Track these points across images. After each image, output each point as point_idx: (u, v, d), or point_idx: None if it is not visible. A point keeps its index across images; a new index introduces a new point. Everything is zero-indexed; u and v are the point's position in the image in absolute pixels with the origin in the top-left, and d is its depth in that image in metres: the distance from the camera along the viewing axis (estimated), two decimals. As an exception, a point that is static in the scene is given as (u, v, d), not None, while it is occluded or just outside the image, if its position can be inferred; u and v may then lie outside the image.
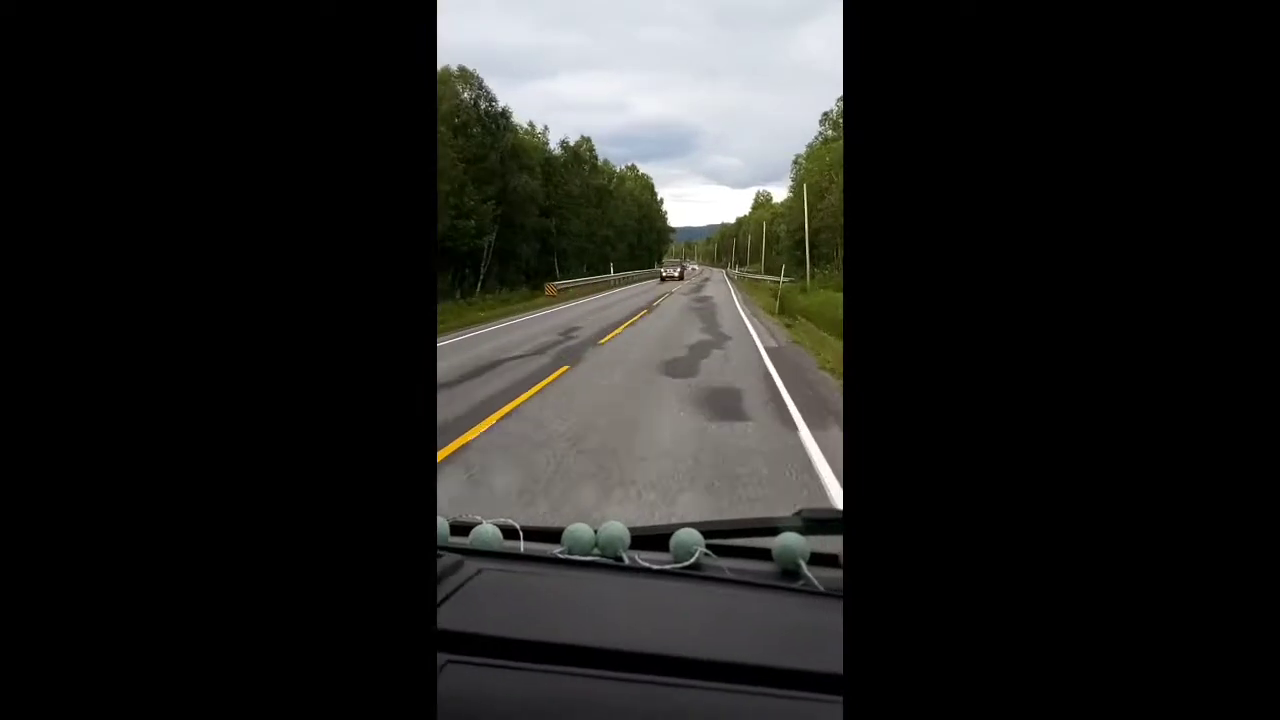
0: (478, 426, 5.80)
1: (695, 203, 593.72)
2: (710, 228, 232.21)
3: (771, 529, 1.01)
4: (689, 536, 0.99)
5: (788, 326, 15.27)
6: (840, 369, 7.64)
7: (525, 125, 38.70)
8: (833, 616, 0.69)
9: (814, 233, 35.61)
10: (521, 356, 10.06)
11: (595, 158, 49.06)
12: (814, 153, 44.96)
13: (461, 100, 30.07)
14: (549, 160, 39.27)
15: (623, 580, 0.88)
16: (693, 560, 0.97)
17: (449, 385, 7.61)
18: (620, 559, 0.99)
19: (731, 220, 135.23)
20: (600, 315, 17.81)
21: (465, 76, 30.91)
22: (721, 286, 38.87)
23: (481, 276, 28.72)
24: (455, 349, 10.99)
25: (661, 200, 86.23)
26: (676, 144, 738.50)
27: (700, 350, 10.76)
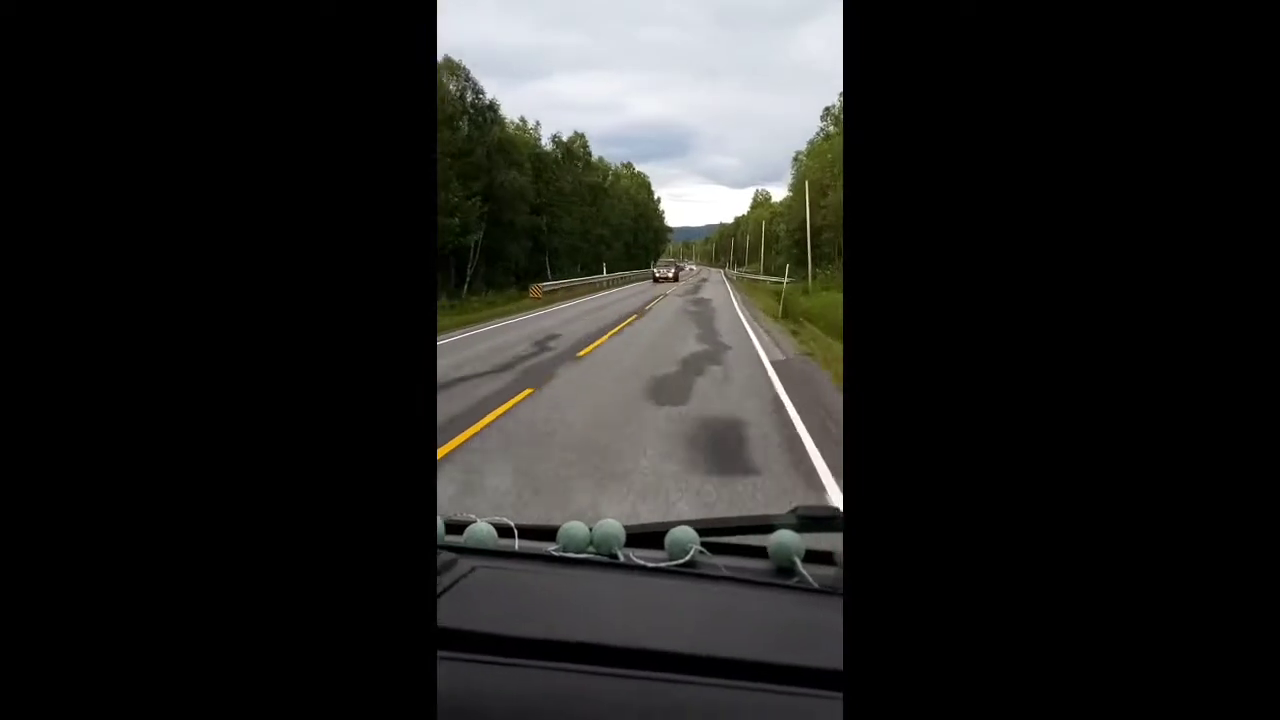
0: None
1: (693, 202, 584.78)
2: (708, 227, 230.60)
3: (767, 526, 1.01)
4: (684, 534, 0.98)
5: (793, 333, 13.66)
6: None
7: (517, 120, 37.39)
8: (828, 613, 0.76)
9: (815, 231, 34.38)
10: (479, 376, 8.35)
11: (589, 154, 47.49)
12: (815, 149, 43.85)
13: (447, 92, 28.53)
14: (540, 156, 37.75)
15: (618, 578, 0.89)
16: (688, 558, 0.95)
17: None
18: (615, 557, 0.98)
19: (730, 220, 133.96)
20: (585, 320, 16.06)
21: (451, 68, 29.44)
22: (720, 287, 37.11)
23: (468, 277, 27.22)
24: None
25: (659, 199, 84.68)
26: (674, 144, 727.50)
27: (695, 365, 9.15)
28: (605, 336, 12.55)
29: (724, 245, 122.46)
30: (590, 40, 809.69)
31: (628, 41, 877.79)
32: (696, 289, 34.46)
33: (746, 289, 35.36)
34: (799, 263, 32.55)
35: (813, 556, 0.97)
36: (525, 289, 28.19)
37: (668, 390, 7.36)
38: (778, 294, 26.48)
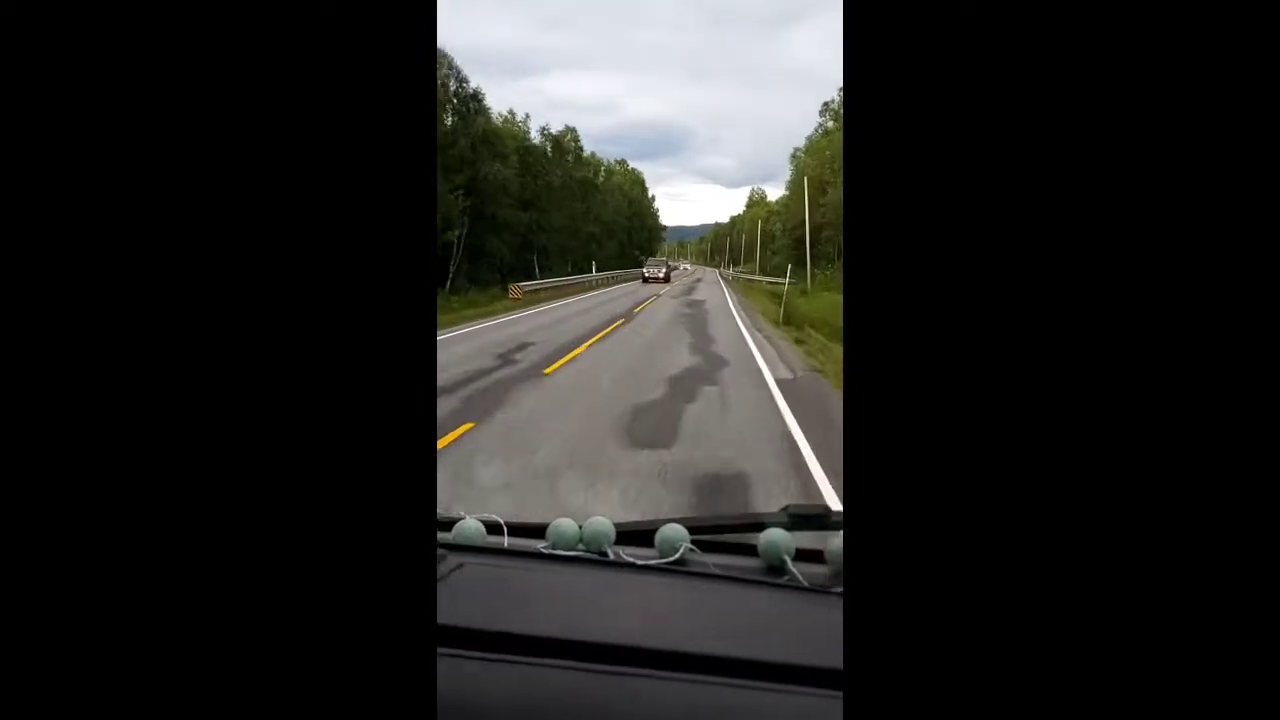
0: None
1: (688, 202, 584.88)
2: (703, 227, 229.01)
3: (757, 524, 1.00)
4: (674, 532, 0.97)
5: (796, 342, 12.06)
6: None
7: (505, 113, 35.81)
8: (818, 611, 0.78)
9: (815, 230, 32.98)
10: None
11: (580, 148, 45.85)
12: (814, 145, 42.49)
13: (427, 79, 26.85)
14: (527, 149, 36.11)
15: (607, 575, 0.89)
16: (678, 556, 0.94)
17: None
18: (605, 554, 0.97)
19: (725, 220, 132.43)
20: (565, 326, 14.26)
21: (432, 54, 27.74)
22: (715, 288, 35.45)
23: (450, 276, 25.57)
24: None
25: (654, 198, 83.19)
26: (670, 144, 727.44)
27: (686, 386, 7.54)
28: (583, 346, 10.81)
29: (719, 245, 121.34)
30: (585, 40, 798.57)
31: (622, 42, 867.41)
32: (690, 290, 32.73)
33: (743, 290, 33.73)
34: (798, 262, 31.01)
35: (803, 555, 0.96)
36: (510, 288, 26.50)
37: (649, 425, 5.76)
38: (775, 295, 25.14)
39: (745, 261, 69.46)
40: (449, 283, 25.14)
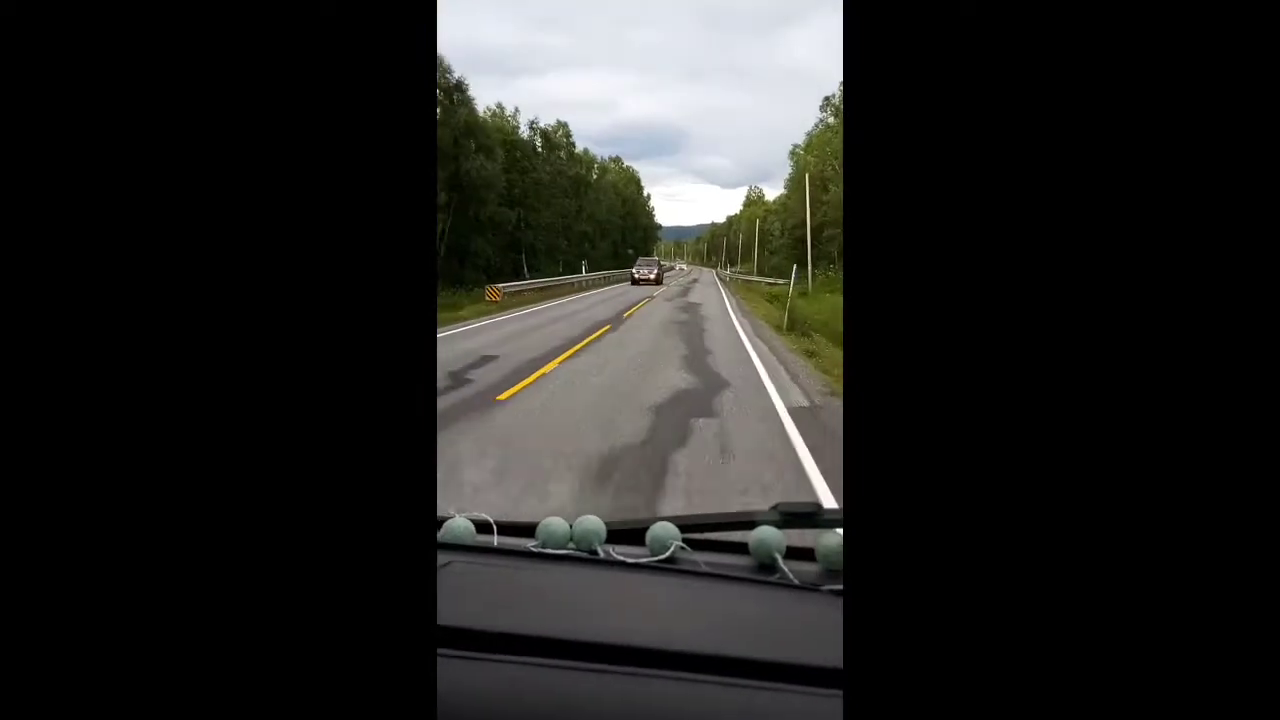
0: None
1: (685, 202, 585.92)
2: (700, 227, 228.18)
3: (748, 523, 1.00)
4: (665, 531, 0.97)
5: (807, 355, 10.38)
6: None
7: (493, 107, 34.21)
8: (809, 609, 0.78)
9: (816, 229, 31.46)
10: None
11: (572, 144, 44.20)
12: (814, 140, 40.95)
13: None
14: (515, 143, 34.43)
15: (597, 574, 0.89)
16: (669, 554, 0.94)
17: None
18: (596, 553, 0.96)
19: (722, 220, 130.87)
20: (541, 334, 12.46)
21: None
22: (712, 289, 33.65)
23: (430, 276, 23.84)
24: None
25: (649, 197, 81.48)
26: (666, 143, 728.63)
27: (675, 420, 5.84)
28: (555, 362, 9.02)
29: (715, 245, 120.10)
30: (580, 40, 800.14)
31: (617, 42, 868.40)
32: (686, 291, 30.91)
33: (741, 291, 31.99)
34: (798, 262, 29.40)
35: (794, 553, 0.96)
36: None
37: (620, 489, 4.07)
38: (775, 297, 23.57)
39: (742, 262, 68.00)
40: (430, 284, 23.42)
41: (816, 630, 0.66)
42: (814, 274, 27.83)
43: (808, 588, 0.84)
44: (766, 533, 0.96)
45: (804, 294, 21.25)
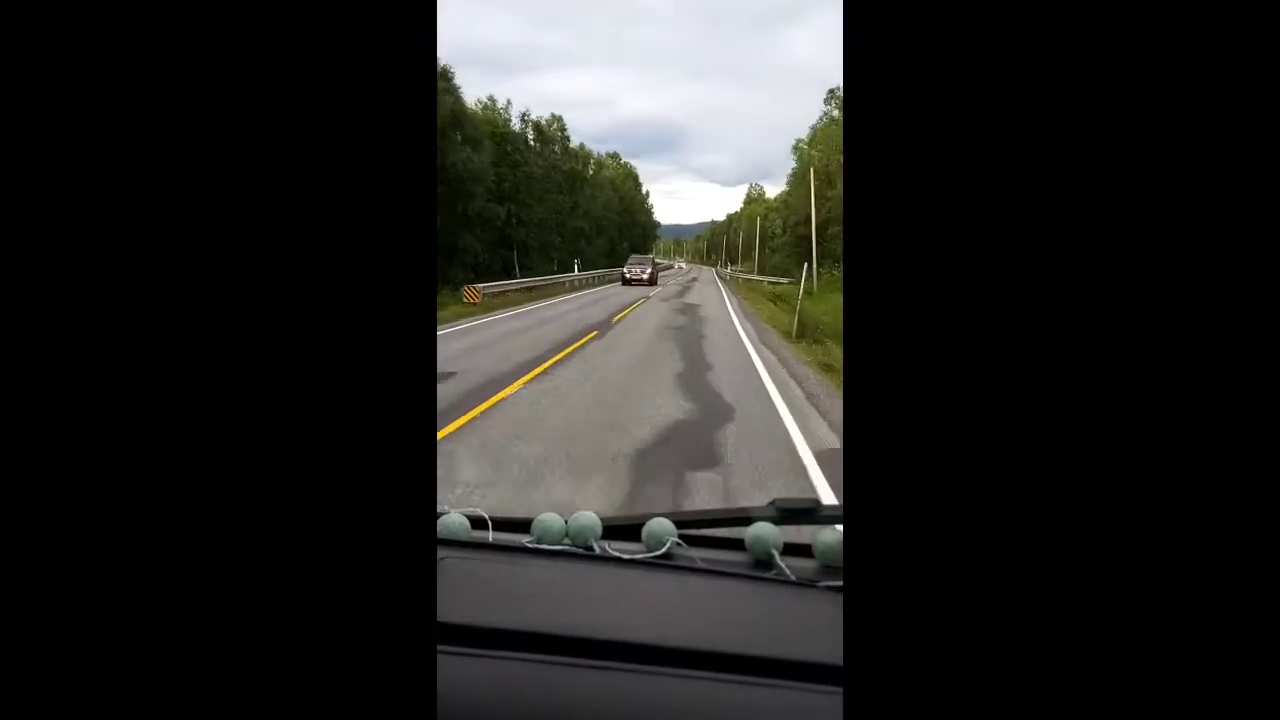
0: None
1: (684, 200, 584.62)
2: (700, 225, 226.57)
3: (745, 519, 0.99)
4: (661, 526, 0.97)
5: (824, 369, 8.83)
6: None
7: (484, 99, 32.67)
8: (805, 605, 0.79)
9: (821, 226, 29.99)
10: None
11: (567, 138, 42.62)
12: (819, 134, 39.50)
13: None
14: (505, 136, 32.87)
15: (593, 569, 0.88)
16: (665, 550, 0.94)
17: None
18: (591, 549, 0.96)
19: (721, 218, 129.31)
20: (514, 342, 10.83)
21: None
22: (712, 289, 32.00)
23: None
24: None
25: (648, 194, 79.98)
26: (666, 141, 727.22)
27: (666, 472, 4.29)
28: (521, 381, 7.40)
29: (715, 243, 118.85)
30: (579, 38, 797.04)
31: (617, 40, 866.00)
32: (684, 291, 29.27)
33: (743, 292, 30.36)
34: (801, 260, 27.89)
35: (791, 549, 0.95)
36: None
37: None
38: (780, 298, 22.00)
39: (743, 260, 66.53)
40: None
41: (814, 626, 0.67)
42: (819, 273, 26.35)
43: (805, 584, 0.85)
44: (763, 529, 0.95)
45: (809, 294, 19.79)
